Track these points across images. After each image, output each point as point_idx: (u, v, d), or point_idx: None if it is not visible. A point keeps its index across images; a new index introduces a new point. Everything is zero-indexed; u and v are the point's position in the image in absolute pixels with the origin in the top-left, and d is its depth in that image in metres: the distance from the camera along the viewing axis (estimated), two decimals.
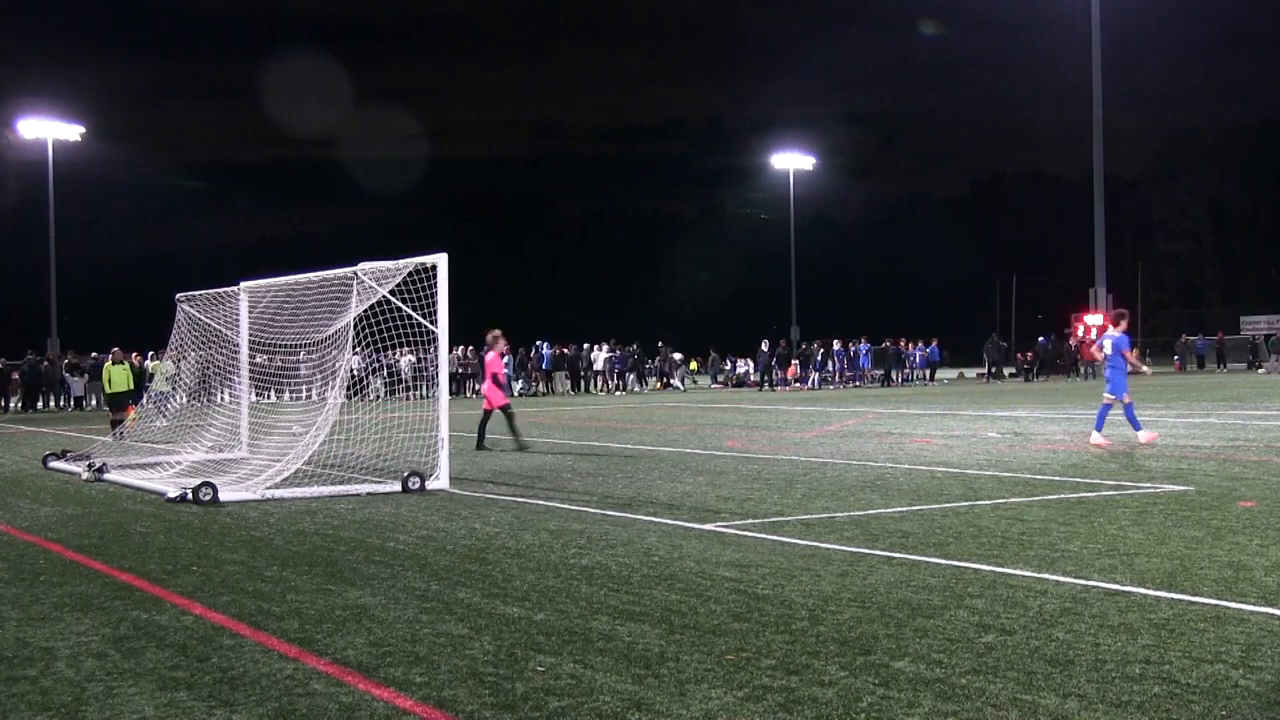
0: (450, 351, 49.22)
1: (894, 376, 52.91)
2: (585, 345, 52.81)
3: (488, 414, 19.41)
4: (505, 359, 20.33)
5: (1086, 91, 59.60)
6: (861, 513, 10.97)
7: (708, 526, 10.28)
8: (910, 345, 55.61)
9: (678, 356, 56.28)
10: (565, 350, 52.60)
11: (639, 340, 57.01)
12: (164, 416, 21.91)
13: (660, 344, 56.43)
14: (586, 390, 50.55)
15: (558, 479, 14.75)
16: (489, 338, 19.30)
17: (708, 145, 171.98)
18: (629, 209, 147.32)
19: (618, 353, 52.11)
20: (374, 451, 16.52)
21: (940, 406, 31.21)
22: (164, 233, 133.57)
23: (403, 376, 33.30)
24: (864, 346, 53.95)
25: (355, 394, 30.08)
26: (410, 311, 13.75)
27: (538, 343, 51.56)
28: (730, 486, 13.38)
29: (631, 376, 51.71)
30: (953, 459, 16.11)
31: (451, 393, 43.22)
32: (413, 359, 33.29)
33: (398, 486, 13.54)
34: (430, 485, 13.65)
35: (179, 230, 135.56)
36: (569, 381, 51.62)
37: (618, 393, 49.69)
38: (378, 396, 32.84)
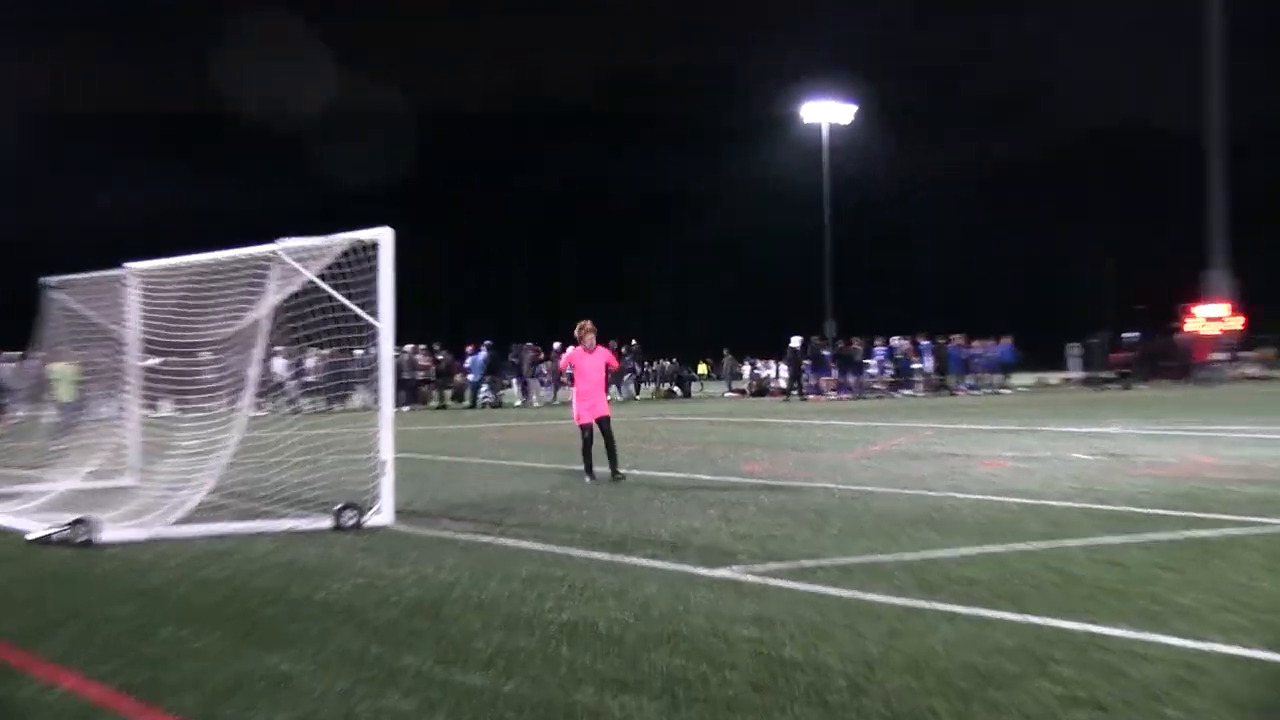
0: (400, 351, 48.29)
1: (953, 383, 52.85)
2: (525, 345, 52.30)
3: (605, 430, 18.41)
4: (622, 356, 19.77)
5: (1204, 24, 59.52)
6: (915, 555, 10.96)
7: (721, 572, 10.29)
8: (977, 344, 55.52)
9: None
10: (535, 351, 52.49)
11: (639, 339, 56.87)
12: (58, 432, 21.82)
13: (631, 343, 56.17)
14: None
15: (532, 511, 14.79)
16: (578, 331, 18.67)
17: (721, 97, 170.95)
18: (624, 177, 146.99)
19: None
20: (299, 478, 16.42)
21: (1015, 420, 31.27)
22: (34, 201, 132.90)
23: (301, 380, 33.16)
24: (924, 344, 53.86)
25: (286, 404, 29.88)
26: (345, 300, 13.70)
27: (486, 342, 51.19)
28: (749, 521, 13.39)
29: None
30: (1031, 487, 16.13)
31: (401, 403, 43.24)
32: (318, 360, 33.07)
33: (328, 522, 13.54)
34: (370, 520, 13.63)
35: (56, 199, 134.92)
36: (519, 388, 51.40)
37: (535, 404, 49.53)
38: (299, 407, 32.70)
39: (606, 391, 19.52)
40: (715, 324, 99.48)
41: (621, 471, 18.31)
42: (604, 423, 18.56)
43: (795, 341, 51.98)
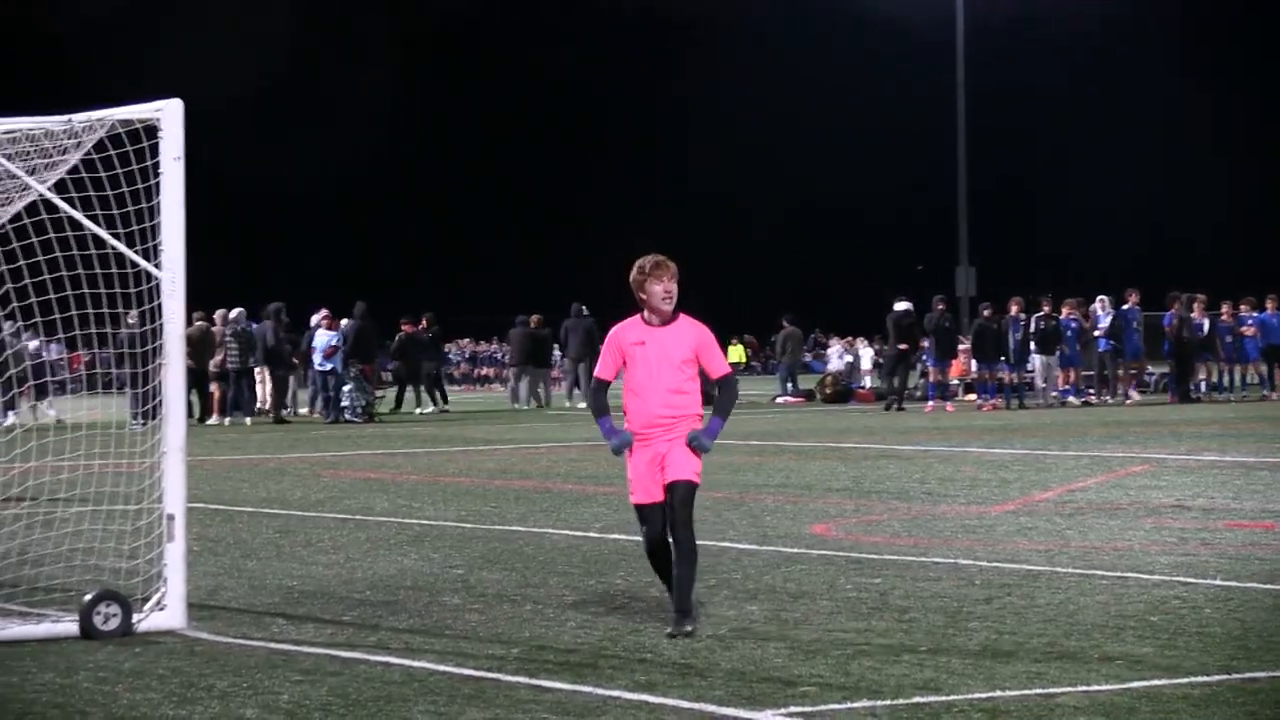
0: (212, 320, 39.55)
1: (1193, 381, 40.63)
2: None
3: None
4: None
5: None
6: (1117, 685, 8.19)
7: (765, 715, 7.81)
8: (1228, 314, 41.79)
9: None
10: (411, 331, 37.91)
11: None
12: None
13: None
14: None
15: (435, 607, 11.28)
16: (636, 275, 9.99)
17: None
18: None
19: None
20: (20, 545, 12.95)
21: None
22: None
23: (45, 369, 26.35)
24: (1131, 311, 40.53)
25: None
26: (102, 233, 10.52)
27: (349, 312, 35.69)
28: (819, 625, 10.26)
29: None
30: None
31: (230, 409, 35.58)
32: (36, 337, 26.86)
33: (72, 624, 10.62)
34: (145, 622, 10.64)
35: None
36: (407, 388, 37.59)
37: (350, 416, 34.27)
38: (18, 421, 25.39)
39: (693, 418, 9.82)
40: (756, 277, 77.38)
41: (689, 625, 9.40)
42: (676, 493, 9.70)
43: (901, 306, 35.40)
